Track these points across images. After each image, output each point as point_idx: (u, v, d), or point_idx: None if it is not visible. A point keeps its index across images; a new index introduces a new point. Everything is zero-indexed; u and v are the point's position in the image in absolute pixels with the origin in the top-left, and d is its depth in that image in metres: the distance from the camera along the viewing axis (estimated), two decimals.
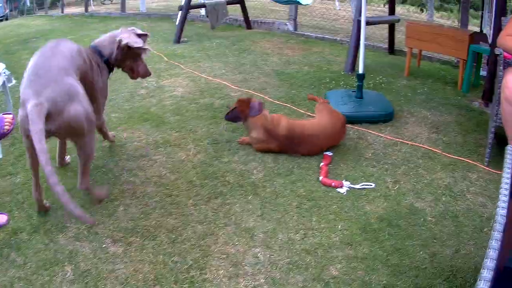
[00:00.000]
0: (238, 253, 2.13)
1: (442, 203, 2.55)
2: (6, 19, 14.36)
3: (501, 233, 1.26)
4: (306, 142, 3.02)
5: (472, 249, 2.16)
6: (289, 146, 3.03)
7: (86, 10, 11.80)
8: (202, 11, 8.86)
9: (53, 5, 15.92)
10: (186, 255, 2.12)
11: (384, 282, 1.94)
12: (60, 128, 2.16)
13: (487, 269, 1.12)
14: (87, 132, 2.30)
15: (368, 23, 4.55)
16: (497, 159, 2.95)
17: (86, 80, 2.48)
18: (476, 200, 2.58)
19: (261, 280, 1.96)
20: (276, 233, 2.27)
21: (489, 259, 1.15)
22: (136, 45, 2.71)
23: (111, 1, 15.43)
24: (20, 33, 8.73)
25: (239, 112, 3.12)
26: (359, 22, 4.71)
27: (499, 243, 1.20)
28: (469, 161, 3.03)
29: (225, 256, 2.11)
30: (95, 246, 2.20)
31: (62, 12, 12.74)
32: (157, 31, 7.80)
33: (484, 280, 1.08)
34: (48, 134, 2.10)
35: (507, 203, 1.44)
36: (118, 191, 2.66)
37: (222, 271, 2.01)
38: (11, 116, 2.34)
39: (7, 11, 15.27)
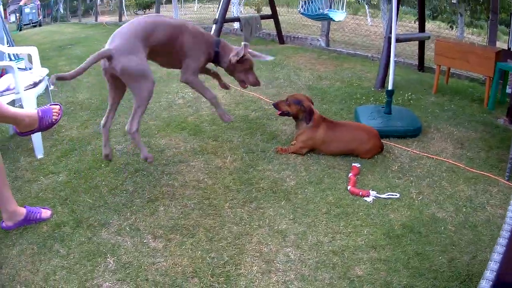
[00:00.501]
0: (271, 252, 2.31)
1: (463, 213, 2.70)
2: (40, 25, 14.72)
3: (504, 247, 1.39)
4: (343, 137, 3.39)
5: (489, 256, 2.28)
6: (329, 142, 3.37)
7: (120, 19, 12.05)
8: (236, 24, 9.13)
9: (86, 13, 16.30)
10: (222, 252, 2.30)
11: (405, 282, 2.10)
12: (116, 69, 2.69)
13: (486, 279, 1.24)
14: (136, 80, 2.72)
15: (398, 40, 4.71)
16: None
17: (175, 45, 3.00)
18: (496, 212, 2.72)
19: (292, 276, 2.14)
20: (306, 236, 2.45)
21: (489, 270, 1.27)
22: (235, 58, 3.19)
23: (145, 11, 15.80)
24: (54, 40, 8.99)
25: (308, 110, 3.39)
26: (389, 39, 4.87)
27: (501, 256, 1.31)
28: (490, 175, 3.16)
29: (258, 254, 2.29)
30: (136, 241, 2.38)
31: (96, 20, 13.03)
32: None
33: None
34: (111, 74, 2.79)
35: None
36: (158, 192, 2.86)
37: (256, 267, 2.19)
38: (58, 107, 2.52)
39: (41, 17, 15.71)
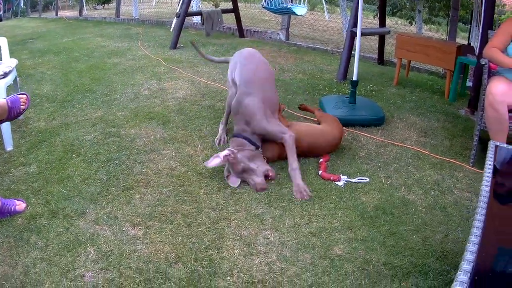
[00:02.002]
0: (251, 235, 2.34)
1: (431, 196, 2.82)
2: (0, 20, 14.34)
3: (482, 223, 1.47)
4: (314, 147, 3.23)
5: (460, 235, 2.44)
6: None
7: (81, 14, 11.91)
8: (195, 18, 9.11)
9: (46, 8, 15.95)
10: (202, 236, 2.31)
11: (383, 260, 2.19)
12: None
13: (467, 260, 1.31)
14: None
15: (361, 34, 4.82)
16: (481, 161, 3.21)
17: None
18: (463, 195, 2.85)
19: (274, 258, 2.18)
20: (283, 219, 2.49)
21: (468, 252, 1.34)
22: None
23: (103, 6, 15.55)
24: (16, 34, 8.82)
25: None
26: (352, 32, 5.01)
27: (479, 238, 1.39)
28: (455, 161, 3.31)
29: (239, 237, 2.32)
30: (115, 229, 2.35)
31: (56, 14, 12.81)
32: (153, 36, 8.01)
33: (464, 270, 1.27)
34: None
35: (488, 194, 1.67)
36: (133, 181, 2.84)
37: (237, 250, 2.22)
38: (25, 96, 2.47)
39: (1, 12, 15.22)
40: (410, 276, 2.09)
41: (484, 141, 3.23)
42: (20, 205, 2.51)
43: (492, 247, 1.47)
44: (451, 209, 2.68)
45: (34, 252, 2.16)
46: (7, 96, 2.45)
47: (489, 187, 1.72)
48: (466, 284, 1.21)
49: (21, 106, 2.43)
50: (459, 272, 1.26)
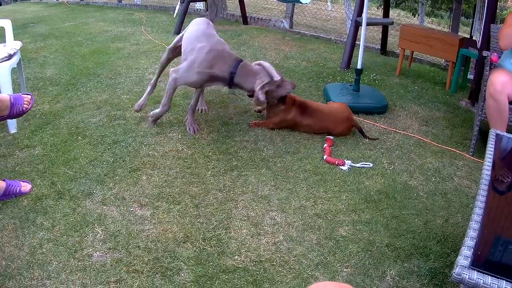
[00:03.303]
0: (257, 216, 2.40)
1: (433, 182, 2.89)
2: (0, 5, 14.20)
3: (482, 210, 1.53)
4: (315, 119, 3.42)
5: (460, 219, 2.51)
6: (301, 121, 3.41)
7: None
8: (198, 4, 9.07)
9: None
10: (210, 217, 2.37)
11: (386, 242, 2.26)
12: None
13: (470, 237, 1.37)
14: None
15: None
16: (481, 151, 3.31)
17: None
18: (463, 182, 2.93)
19: (280, 238, 2.24)
20: (289, 200, 2.56)
21: (469, 237, 1.40)
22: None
23: None
24: (17, 19, 8.73)
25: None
26: (357, 22, 5.04)
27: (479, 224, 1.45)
28: (456, 150, 3.38)
29: (246, 218, 2.38)
30: (122, 210, 2.38)
31: None
32: (156, 22, 7.97)
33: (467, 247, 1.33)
34: None
35: (490, 177, 1.73)
36: (139, 163, 2.87)
37: (245, 230, 2.28)
38: (29, 96, 2.45)
39: None
40: (412, 257, 2.17)
41: (483, 132, 3.31)
42: (25, 187, 2.51)
43: (493, 227, 1.53)
44: (451, 195, 2.76)
45: (40, 233, 2.16)
46: (11, 94, 2.44)
47: (490, 172, 1.78)
48: (469, 258, 1.27)
49: (24, 105, 2.42)
50: (462, 248, 1.32)
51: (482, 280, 1.21)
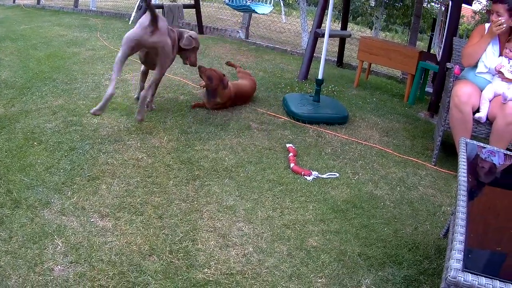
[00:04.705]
0: (224, 227, 2.32)
1: (398, 192, 2.91)
2: None
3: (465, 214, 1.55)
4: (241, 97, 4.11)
5: (429, 227, 2.54)
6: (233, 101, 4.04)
7: (38, 2, 11.57)
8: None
9: None
10: (175, 228, 2.27)
11: (358, 251, 2.24)
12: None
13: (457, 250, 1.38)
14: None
15: (322, 35, 4.90)
16: (443, 161, 3.41)
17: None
18: (427, 191, 2.98)
19: (250, 249, 2.17)
20: (255, 211, 2.49)
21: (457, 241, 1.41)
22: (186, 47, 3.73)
23: None
24: None
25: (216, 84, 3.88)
26: (316, 33, 5.07)
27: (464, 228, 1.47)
28: (418, 161, 3.43)
29: (212, 229, 2.29)
30: (83, 220, 2.26)
31: (14, 2, 12.32)
32: (111, 28, 7.83)
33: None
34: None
35: (466, 184, 1.75)
36: (98, 171, 2.74)
37: (213, 241, 2.19)
38: None
39: None
40: (385, 266, 2.16)
41: (443, 143, 3.38)
42: None
43: (476, 230, 1.55)
44: (418, 204, 2.79)
45: None
46: None
47: (466, 178, 1.80)
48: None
49: None
50: (453, 252, 1.31)
51: (476, 282, 1.24)
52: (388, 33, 11.39)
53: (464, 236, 1.40)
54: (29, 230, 2.15)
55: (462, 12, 4.73)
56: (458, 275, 1.25)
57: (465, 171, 1.87)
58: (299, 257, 2.14)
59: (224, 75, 3.94)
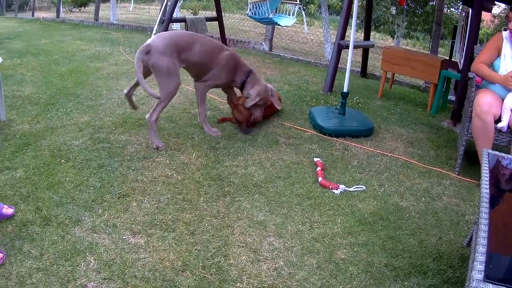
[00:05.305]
0: (255, 241, 2.38)
1: (423, 203, 2.95)
2: None
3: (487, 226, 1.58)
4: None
5: (453, 237, 2.58)
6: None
7: (58, 16, 11.73)
8: (175, 25, 9.07)
9: (21, 8, 15.72)
10: (207, 244, 2.33)
11: (385, 262, 2.29)
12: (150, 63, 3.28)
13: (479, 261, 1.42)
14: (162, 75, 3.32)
15: (346, 46, 4.94)
16: (466, 170, 3.42)
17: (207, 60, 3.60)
18: (451, 201, 3.00)
19: (281, 263, 2.22)
20: (285, 225, 2.55)
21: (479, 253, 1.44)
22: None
23: (79, 9, 15.40)
24: None
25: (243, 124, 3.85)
26: (339, 45, 5.11)
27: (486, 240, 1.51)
28: (442, 170, 3.45)
29: (244, 244, 2.35)
30: (114, 237, 2.31)
31: (33, 15, 12.59)
32: (134, 42, 7.96)
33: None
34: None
35: (489, 196, 1.78)
36: (128, 188, 2.81)
37: (244, 256, 2.25)
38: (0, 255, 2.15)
39: None
40: (411, 276, 2.20)
41: (466, 151, 3.38)
42: (7, 209, 2.42)
43: (498, 241, 1.58)
44: (442, 214, 2.82)
45: (28, 262, 2.08)
46: None
47: (488, 189, 1.83)
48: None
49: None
50: (475, 263, 1.35)
51: None
52: (409, 40, 11.36)
53: (486, 247, 1.44)
54: (60, 247, 2.20)
55: (482, 16, 4.71)
56: (480, 285, 1.29)
57: (488, 183, 1.89)
58: (328, 270, 2.20)
59: (251, 114, 3.84)
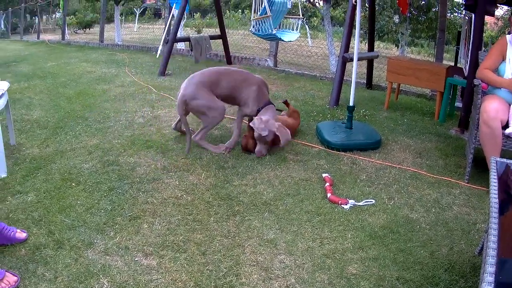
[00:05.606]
0: (266, 260, 2.39)
1: (433, 213, 2.94)
2: None
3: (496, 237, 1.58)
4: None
5: (464, 246, 2.57)
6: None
7: (63, 38, 11.86)
8: (179, 44, 9.17)
9: (26, 30, 15.90)
10: (219, 264, 2.34)
11: (396, 275, 2.28)
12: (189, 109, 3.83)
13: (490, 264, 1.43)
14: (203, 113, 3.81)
15: (351, 59, 4.97)
16: (475, 177, 3.41)
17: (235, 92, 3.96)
18: (462, 210, 2.99)
19: (292, 280, 2.23)
20: (296, 242, 2.55)
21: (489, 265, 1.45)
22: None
23: (84, 30, 15.57)
24: None
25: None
26: (344, 57, 5.14)
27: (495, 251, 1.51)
28: (451, 179, 3.44)
29: (255, 263, 2.36)
30: (127, 259, 2.33)
31: (38, 38, 12.75)
32: (139, 63, 8.02)
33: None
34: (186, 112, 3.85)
35: (498, 205, 1.78)
36: (139, 210, 2.83)
37: (256, 275, 2.26)
38: (15, 278, 2.16)
39: None
40: None
41: (475, 158, 3.38)
42: (21, 233, 2.45)
43: (507, 252, 1.58)
44: (453, 224, 2.81)
45: (42, 285, 2.10)
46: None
47: (497, 198, 1.83)
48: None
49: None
50: (485, 275, 1.35)
51: None
52: (414, 48, 11.38)
53: (496, 259, 1.44)
54: (74, 270, 2.22)
55: (485, 19, 4.71)
56: None
57: (496, 193, 1.89)
58: (340, 285, 2.19)
59: (248, 143, 3.87)
